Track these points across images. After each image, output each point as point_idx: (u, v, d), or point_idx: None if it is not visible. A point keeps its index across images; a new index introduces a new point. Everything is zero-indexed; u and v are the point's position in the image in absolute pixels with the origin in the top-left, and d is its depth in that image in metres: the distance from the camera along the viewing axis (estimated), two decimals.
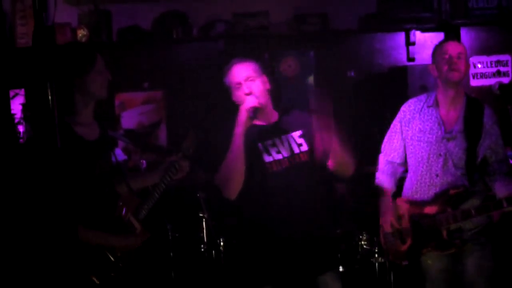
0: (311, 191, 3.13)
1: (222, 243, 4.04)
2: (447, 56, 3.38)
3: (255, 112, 2.98)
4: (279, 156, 3.07)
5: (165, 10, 5.32)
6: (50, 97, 1.87)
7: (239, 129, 2.96)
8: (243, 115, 2.97)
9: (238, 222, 3.26)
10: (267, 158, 3.06)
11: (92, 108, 2.75)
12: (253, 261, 3.07)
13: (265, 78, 3.14)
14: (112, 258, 2.66)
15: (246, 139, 3.00)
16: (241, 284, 3.15)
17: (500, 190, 3.34)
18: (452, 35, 3.55)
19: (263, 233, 3.05)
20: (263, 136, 3.10)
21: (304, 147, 3.12)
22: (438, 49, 3.46)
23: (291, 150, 3.10)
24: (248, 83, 3.06)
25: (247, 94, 3.03)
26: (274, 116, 3.20)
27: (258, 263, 3.05)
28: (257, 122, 3.13)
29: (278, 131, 3.14)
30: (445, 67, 3.38)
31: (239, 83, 3.06)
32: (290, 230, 3.02)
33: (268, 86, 3.15)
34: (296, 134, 3.15)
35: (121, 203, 2.81)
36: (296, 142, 3.13)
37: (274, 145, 3.09)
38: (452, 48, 3.42)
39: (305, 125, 3.16)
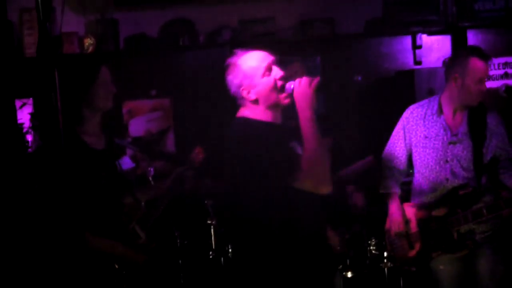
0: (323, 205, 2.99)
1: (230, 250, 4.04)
2: (480, 76, 3.34)
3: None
4: None
5: (172, 17, 5.34)
6: (55, 106, 1.88)
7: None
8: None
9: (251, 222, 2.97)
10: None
11: (99, 118, 2.78)
12: (257, 262, 2.92)
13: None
14: (116, 265, 2.67)
15: (284, 134, 2.75)
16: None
17: None
18: (480, 48, 3.41)
19: (276, 231, 2.86)
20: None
21: None
22: (468, 62, 3.37)
23: None
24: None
25: None
26: None
27: (260, 263, 2.91)
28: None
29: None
30: (475, 89, 3.35)
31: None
32: (302, 233, 2.89)
33: None
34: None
35: (126, 212, 2.82)
36: None
37: None
38: (485, 70, 3.37)
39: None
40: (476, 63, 3.33)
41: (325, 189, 2.68)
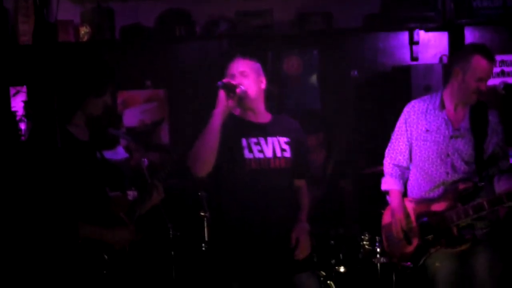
0: (284, 195, 3.18)
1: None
2: (480, 75, 3.32)
3: (226, 87, 3.06)
4: (260, 155, 3.13)
5: (168, 8, 5.32)
6: (51, 95, 1.86)
7: (217, 109, 3.05)
8: (221, 94, 3.06)
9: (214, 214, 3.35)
10: (248, 155, 3.11)
11: (85, 114, 2.77)
12: (223, 256, 3.15)
13: (262, 79, 3.23)
14: (105, 256, 2.66)
15: (231, 131, 3.09)
16: (210, 278, 3.22)
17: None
18: (486, 48, 3.39)
19: (237, 228, 3.10)
20: (249, 132, 3.16)
21: (287, 154, 3.19)
22: (472, 58, 3.35)
23: (274, 152, 3.17)
24: (240, 77, 3.16)
25: None
26: (266, 117, 3.27)
27: (228, 257, 3.12)
28: (247, 118, 3.22)
29: (265, 132, 3.20)
30: (473, 85, 3.33)
31: (233, 75, 3.17)
32: (263, 228, 3.08)
33: (263, 86, 3.23)
34: (283, 139, 3.21)
35: (113, 204, 2.81)
36: (281, 146, 3.19)
37: (258, 143, 3.15)
38: (487, 70, 3.35)
39: (292, 133, 3.26)
40: (479, 61, 3.32)
41: (198, 172, 3.07)
